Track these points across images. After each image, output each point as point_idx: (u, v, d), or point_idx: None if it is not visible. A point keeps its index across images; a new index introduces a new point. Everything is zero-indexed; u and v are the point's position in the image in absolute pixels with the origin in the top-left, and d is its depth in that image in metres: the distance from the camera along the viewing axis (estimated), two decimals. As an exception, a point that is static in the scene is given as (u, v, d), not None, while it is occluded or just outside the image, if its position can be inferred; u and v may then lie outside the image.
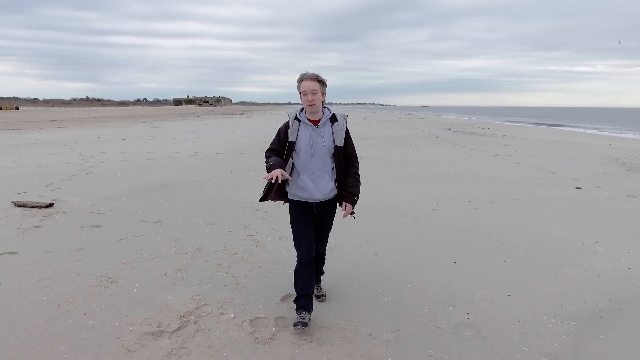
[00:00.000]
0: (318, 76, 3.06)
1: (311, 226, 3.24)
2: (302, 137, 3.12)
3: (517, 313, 3.39)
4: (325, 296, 3.60)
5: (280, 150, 3.20)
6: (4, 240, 4.87)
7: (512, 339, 3.01)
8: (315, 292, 3.50)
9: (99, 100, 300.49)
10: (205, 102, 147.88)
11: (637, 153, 15.72)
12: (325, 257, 3.66)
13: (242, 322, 3.18)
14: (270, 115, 53.37)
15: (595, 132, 35.11)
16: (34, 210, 6.15)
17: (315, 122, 3.14)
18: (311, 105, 3.05)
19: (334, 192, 3.22)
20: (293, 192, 3.20)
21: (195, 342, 2.90)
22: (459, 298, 3.63)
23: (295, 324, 2.99)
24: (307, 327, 3.00)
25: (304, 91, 3.04)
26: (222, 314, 3.29)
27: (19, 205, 6.36)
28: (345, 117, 3.26)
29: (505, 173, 10.46)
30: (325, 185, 3.17)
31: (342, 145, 3.17)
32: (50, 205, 6.37)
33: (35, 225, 5.43)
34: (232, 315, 3.27)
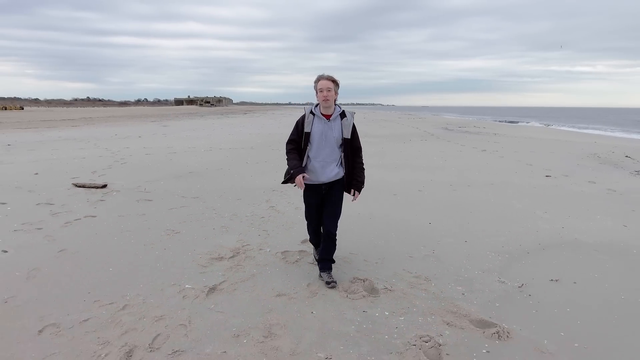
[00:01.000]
0: (333, 77, 3.58)
1: (319, 205, 3.90)
2: (316, 128, 3.65)
3: (468, 250, 4.77)
4: (335, 282, 3.81)
5: (299, 139, 3.71)
6: (81, 209, 6.26)
7: (461, 263, 4.40)
8: (325, 279, 3.86)
9: (100, 100, 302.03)
10: (206, 102, 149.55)
11: (616, 149, 17.07)
12: (335, 241, 3.92)
13: (276, 253, 4.58)
14: (272, 115, 54.83)
15: (587, 131, 36.54)
16: (92, 190, 7.54)
17: (328, 117, 3.66)
18: (325, 100, 3.56)
19: (339, 176, 3.78)
20: (305, 176, 3.69)
21: (245, 263, 4.29)
22: (429, 242, 5.02)
23: (317, 259, 4.08)
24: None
25: (320, 89, 3.55)
26: (260, 249, 4.69)
27: (79, 186, 7.75)
28: (353, 113, 3.80)
29: (488, 165, 11.85)
30: (331, 170, 3.71)
31: (349, 137, 3.68)
32: (104, 186, 7.76)
33: (100, 199, 6.83)
34: (268, 249, 4.67)
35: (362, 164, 3.89)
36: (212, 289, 3.67)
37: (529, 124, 46.70)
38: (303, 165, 3.68)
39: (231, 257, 4.42)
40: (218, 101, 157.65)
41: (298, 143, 3.72)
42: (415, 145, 17.12)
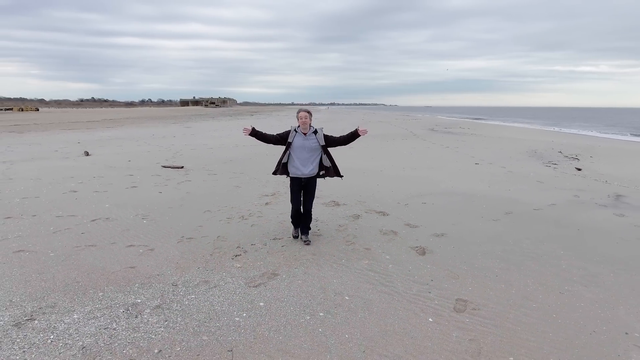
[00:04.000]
0: (308, 109, 5.70)
1: (299, 192, 5.87)
2: (297, 140, 5.65)
3: (395, 195, 9.25)
4: (310, 242, 5.84)
5: (280, 138, 5.72)
6: (179, 178, 10.75)
7: (386, 199, 8.88)
8: (303, 239, 5.93)
9: (105, 100, 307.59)
10: (211, 103, 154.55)
11: (560, 147, 21.46)
12: (311, 215, 5.97)
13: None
14: (277, 117, 59.38)
15: (567, 130, 41.24)
16: (175, 170, 12.05)
17: (305, 134, 5.66)
18: (304, 124, 5.62)
19: (314, 172, 5.74)
20: (291, 171, 5.76)
21: (276, 199, 8.77)
22: (374, 194, 9.50)
23: (294, 236, 6.12)
24: (297, 238, 6.06)
25: (300, 117, 5.60)
26: (283, 194, 9.18)
27: (165, 167, 12.26)
28: (321, 129, 5.82)
29: (441, 157, 16.31)
30: (308, 168, 5.67)
31: (324, 143, 5.71)
32: (182, 167, 12.27)
33: (185, 174, 11.35)
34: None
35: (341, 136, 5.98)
36: (268, 203, 8.16)
37: (512, 125, 51.14)
38: (287, 162, 5.77)
39: (271, 195, 8.92)
40: (223, 102, 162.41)
41: (277, 138, 5.81)
42: (396, 143, 21.60)
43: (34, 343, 3.39)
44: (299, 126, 5.78)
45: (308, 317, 3.87)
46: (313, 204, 6.03)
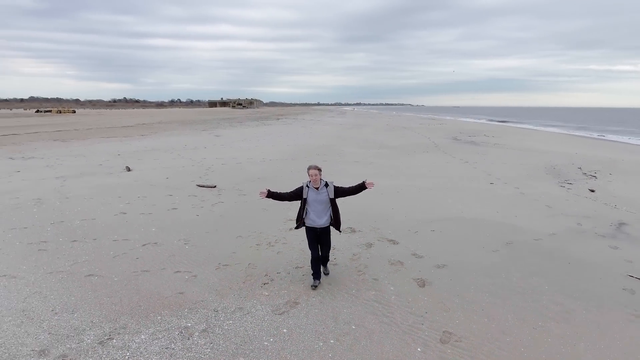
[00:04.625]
0: (318, 166, 6.10)
1: (316, 241, 6.28)
2: (311, 195, 6.13)
3: (407, 221, 10.15)
4: (328, 273, 6.71)
5: (294, 195, 6.23)
6: (212, 198, 11.96)
7: (398, 224, 9.80)
8: (323, 270, 6.64)
9: (137, 101, 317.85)
10: (238, 104, 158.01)
11: (578, 161, 21.73)
12: (329, 258, 6.64)
13: (315, 219, 10.16)
14: (302, 122, 60.78)
15: (589, 135, 40.82)
16: (209, 189, 13.28)
17: (317, 188, 6.12)
18: (315, 181, 6.06)
19: (328, 223, 6.22)
20: (307, 222, 6.27)
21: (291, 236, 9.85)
22: (396, 225, 10.43)
23: (312, 286, 6.35)
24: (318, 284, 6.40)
25: (311, 174, 6.02)
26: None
27: (200, 186, 13.52)
28: (332, 182, 6.25)
29: (458, 175, 17.02)
30: (322, 219, 6.15)
31: (334, 196, 6.18)
32: (214, 186, 13.51)
33: (218, 194, 12.57)
34: (311, 218, 10.24)
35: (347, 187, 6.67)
36: (291, 229, 9.22)
37: (539, 130, 50.73)
38: (304, 216, 6.26)
39: (294, 220, 9.99)
40: (250, 103, 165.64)
41: (291, 195, 6.30)
42: (416, 158, 22.37)
43: (116, 359, 4.54)
44: (309, 181, 6.19)
45: (321, 344, 4.89)
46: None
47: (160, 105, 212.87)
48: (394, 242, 8.60)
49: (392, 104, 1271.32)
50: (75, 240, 8.27)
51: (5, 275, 6.57)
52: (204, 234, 8.88)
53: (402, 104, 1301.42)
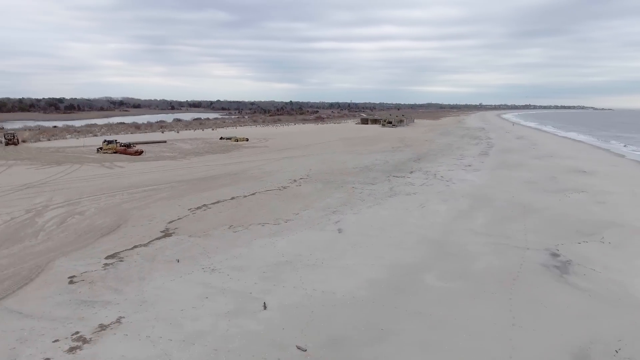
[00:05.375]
0: None
1: None
2: None
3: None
4: None
5: None
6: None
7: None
8: None
9: (299, 108, 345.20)
10: (388, 122, 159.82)
11: None
12: None
13: None
14: (427, 182, 59.36)
15: None
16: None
17: None
18: None
19: None
20: None
21: None
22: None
23: None
24: None
25: None
26: None
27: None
28: None
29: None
30: None
31: None
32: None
33: None
34: None
35: None
36: None
37: None
38: None
39: None
40: (399, 121, 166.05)
41: None
42: None
43: None
44: None
45: None
46: None
47: (319, 119, 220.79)
48: None
49: (568, 107, 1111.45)
50: None
51: None
52: None
53: (583, 107, 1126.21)
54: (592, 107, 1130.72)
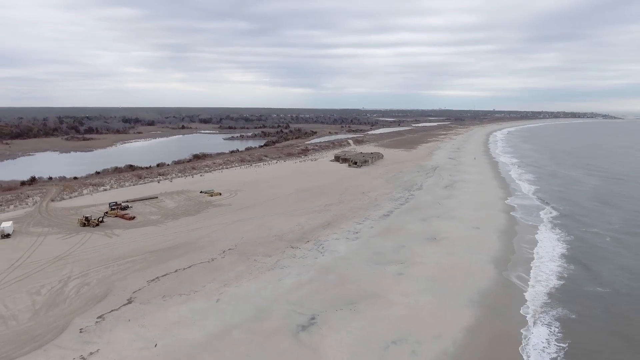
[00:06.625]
0: None
1: None
2: None
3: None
4: None
5: None
6: None
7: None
8: None
9: (299, 130, 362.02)
10: (354, 163, 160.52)
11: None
12: None
13: None
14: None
15: None
16: None
17: None
18: None
19: None
20: None
21: None
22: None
23: None
24: None
25: None
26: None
27: None
28: None
29: None
30: None
31: None
32: None
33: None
34: None
35: None
36: None
37: None
38: None
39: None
40: (364, 162, 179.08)
41: None
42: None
43: None
44: None
45: None
46: None
47: (332, 124, 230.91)
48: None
49: (578, 114, 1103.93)
50: None
51: None
52: None
53: (593, 115, 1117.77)
54: (603, 115, 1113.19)
